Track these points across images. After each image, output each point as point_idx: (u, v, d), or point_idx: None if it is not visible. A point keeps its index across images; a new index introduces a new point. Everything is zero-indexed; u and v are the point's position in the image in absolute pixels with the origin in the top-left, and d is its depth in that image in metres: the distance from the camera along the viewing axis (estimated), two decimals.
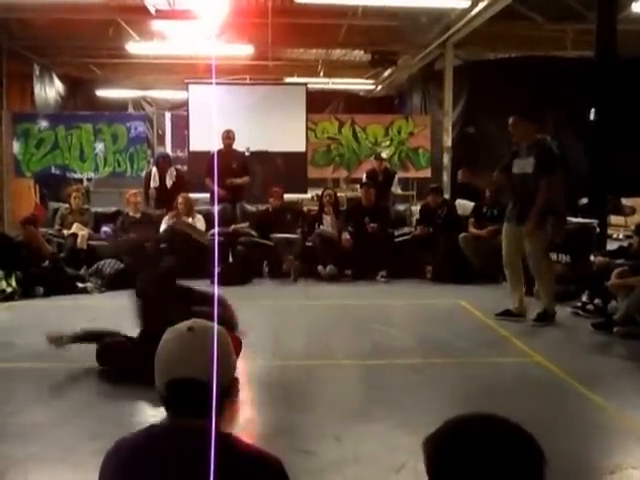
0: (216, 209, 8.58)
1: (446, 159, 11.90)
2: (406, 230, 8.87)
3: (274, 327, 5.98)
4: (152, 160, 11.21)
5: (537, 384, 4.48)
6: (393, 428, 3.61)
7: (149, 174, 9.49)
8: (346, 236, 8.32)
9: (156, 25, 10.63)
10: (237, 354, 3.80)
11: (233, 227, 8.56)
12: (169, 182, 9.18)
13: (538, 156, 5.84)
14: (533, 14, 10.33)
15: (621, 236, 11.38)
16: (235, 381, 1.58)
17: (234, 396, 1.58)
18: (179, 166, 10.46)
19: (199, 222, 8.51)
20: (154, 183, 9.25)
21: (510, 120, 5.98)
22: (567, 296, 6.68)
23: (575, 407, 4.06)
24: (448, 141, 11.96)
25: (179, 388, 1.50)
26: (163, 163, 9.41)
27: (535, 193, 5.81)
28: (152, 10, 9.44)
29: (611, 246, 7.93)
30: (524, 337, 5.55)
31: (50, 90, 13.89)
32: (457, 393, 4.29)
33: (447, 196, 10.47)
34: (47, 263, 7.56)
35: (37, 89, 13.19)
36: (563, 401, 4.17)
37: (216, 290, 3.97)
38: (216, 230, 8.03)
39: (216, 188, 8.77)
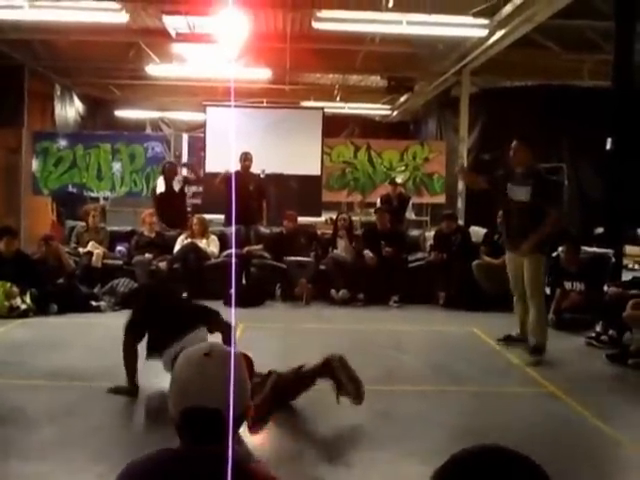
0: (233, 229, 8.63)
1: (461, 185, 11.90)
2: (420, 255, 8.85)
3: (285, 350, 5.96)
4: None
5: (550, 415, 4.43)
6: (403, 456, 3.58)
7: (155, 186, 9.78)
8: (369, 254, 8.32)
9: (176, 48, 10.80)
10: (250, 374, 3.85)
11: (247, 249, 8.58)
12: (177, 187, 9.45)
13: (540, 185, 5.67)
14: (550, 43, 10.37)
15: (636, 267, 11.29)
16: (249, 407, 1.58)
17: (248, 422, 1.58)
18: (186, 172, 10.70)
19: (213, 243, 8.56)
20: (159, 189, 9.47)
21: (513, 144, 5.84)
22: (581, 326, 6.64)
23: (588, 439, 4.01)
24: None
25: (195, 416, 1.48)
26: (169, 171, 9.70)
27: (532, 225, 5.65)
28: (173, 33, 9.58)
29: (626, 277, 7.87)
30: (537, 367, 5.50)
31: (70, 110, 14.10)
32: (468, 422, 4.25)
33: (461, 222, 10.45)
34: (62, 280, 7.63)
35: (58, 109, 13.40)
36: (576, 433, 4.12)
37: (233, 311, 3.98)
38: (233, 251, 8.10)
39: (233, 210, 8.83)
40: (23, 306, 7.06)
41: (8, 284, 7.05)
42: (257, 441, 3.75)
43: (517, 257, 5.88)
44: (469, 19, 8.52)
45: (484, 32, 8.88)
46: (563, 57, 10.80)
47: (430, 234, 9.40)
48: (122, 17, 8.38)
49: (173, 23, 9.13)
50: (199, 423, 1.48)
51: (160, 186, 9.51)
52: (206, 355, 1.51)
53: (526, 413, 4.48)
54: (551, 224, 5.69)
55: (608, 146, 8.27)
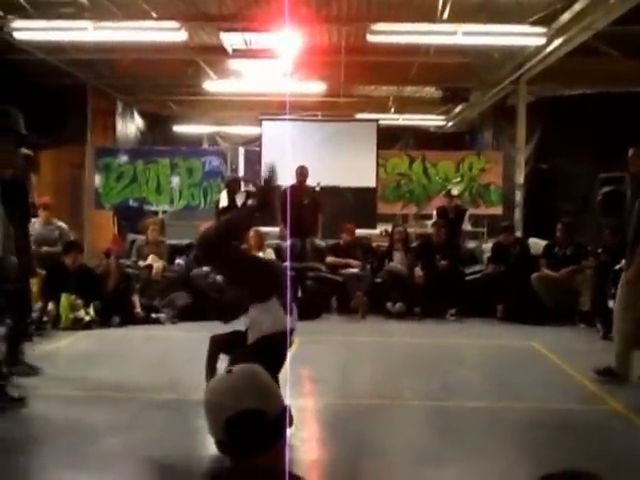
0: (289, 242, 8.66)
1: (518, 196, 11.71)
2: (477, 268, 8.75)
3: (342, 364, 5.97)
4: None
5: (615, 435, 4.29)
6: (465, 475, 3.53)
7: (217, 200, 9.84)
8: (419, 272, 8.26)
9: (233, 64, 10.98)
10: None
11: (304, 265, 8.55)
12: (239, 202, 9.47)
13: None
14: (610, 50, 10.12)
15: None
16: (285, 410, 1.58)
17: (289, 425, 1.59)
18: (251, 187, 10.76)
19: (269, 256, 8.64)
20: (222, 203, 9.53)
21: (630, 152, 5.43)
22: None
23: None
24: (520, 178, 11.77)
25: (238, 423, 1.51)
26: (233, 185, 9.75)
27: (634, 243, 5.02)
28: (229, 50, 9.75)
29: None
30: (601, 383, 5.30)
31: (131, 126, 14.47)
32: (528, 440, 4.17)
33: (519, 234, 10.28)
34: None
35: (119, 125, 13.77)
36: None
37: (288, 322, 3.99)
38: (288, 264, 8.15)
39: (289, 223, 8.92)
40: (87, 318, 7.27)
41: (72, 296, 7.28)
42: (312, 457, 3.76)
43: None
44: (526, 28, 8.40)
45: (542, 40, 8.73)
46: (624, 64, 10.52)
47: (487, 246, 9.28)
48: (181, 35, 8.58)
49: (230, 40, 9.29)
50: (244, 429, 1.51)
51: (223, 200, 9.62)
52: (228, 372, 1.61)
53: (589, 431, 4.36)
54: None
55: None
